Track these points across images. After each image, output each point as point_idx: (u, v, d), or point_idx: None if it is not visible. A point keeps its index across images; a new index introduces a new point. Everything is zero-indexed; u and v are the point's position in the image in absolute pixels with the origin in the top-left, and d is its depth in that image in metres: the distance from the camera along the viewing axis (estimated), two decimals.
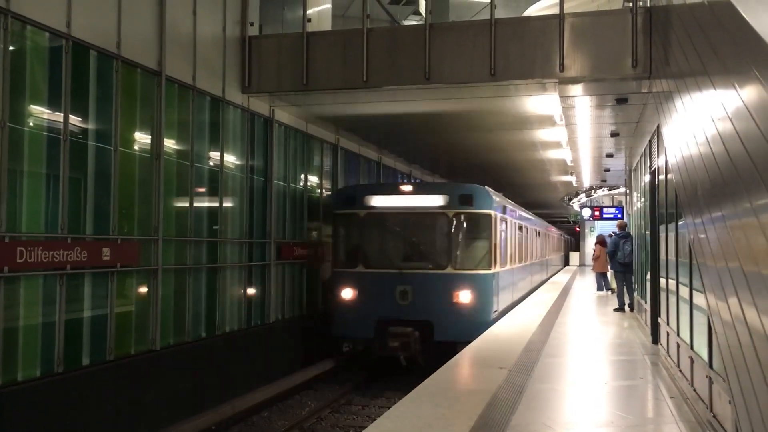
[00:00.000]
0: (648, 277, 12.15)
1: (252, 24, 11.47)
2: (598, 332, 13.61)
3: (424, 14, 13.94)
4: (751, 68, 4.28)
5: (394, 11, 18.63)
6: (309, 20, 11.60)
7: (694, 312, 7.11)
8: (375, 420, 6.29)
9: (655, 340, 10.80)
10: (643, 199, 13.97)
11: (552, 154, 18.79)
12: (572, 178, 24.78)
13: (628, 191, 21.06)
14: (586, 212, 30.22)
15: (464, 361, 9.53)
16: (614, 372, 9.25)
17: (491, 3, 10.78)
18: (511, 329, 12.97)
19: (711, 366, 6.00)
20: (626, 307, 16.22)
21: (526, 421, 6.40)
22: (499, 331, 12.65)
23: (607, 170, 21.29)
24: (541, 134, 15.62)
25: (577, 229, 51.89)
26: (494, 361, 9.44)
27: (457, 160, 20.31)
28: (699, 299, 6.51)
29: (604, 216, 29.27)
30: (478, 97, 11.93)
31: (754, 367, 3.92)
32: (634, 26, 10.07)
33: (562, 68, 10.45)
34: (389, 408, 6.81)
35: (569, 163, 20.01)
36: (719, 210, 4.99)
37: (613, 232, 16.98)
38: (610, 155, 17.90)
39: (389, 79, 11.06)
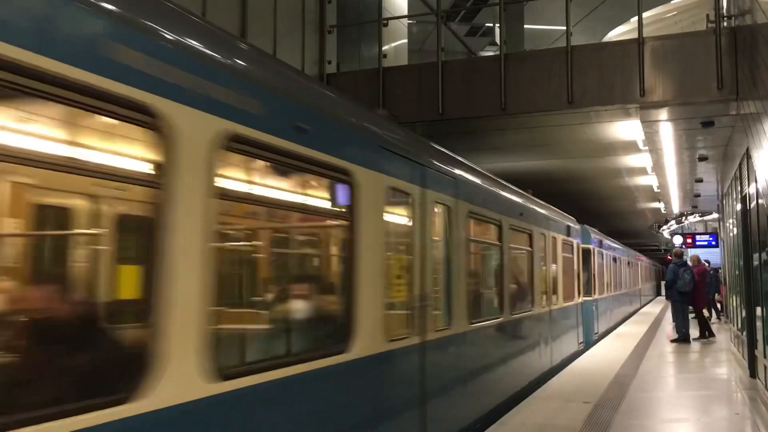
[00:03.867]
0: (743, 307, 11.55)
1: (330, 62, 11.78)
2: (691, 365, 13.02)
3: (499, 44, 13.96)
4: None
5: (470, 43, 18.71)
6: (385, 56, 11.82)
7: None
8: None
9: (753, 374, 10.22)
10: (739, 225, 13.37)
11: (638, 181, 18.26)
12: (660, 205, 23.95)
13: (721, 217, 20.17)
14: (678, 240, 29.07)
15: (547, 394, 9.30)
16: (708, 407, 8.80)
17: (567, 30, 10.71)
18: (597, 361, 12.58)
19: None
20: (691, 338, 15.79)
21: None
22: (585, 364, 12.29)
23: (698, 195, 20.46)
24: (625, 160, 15.23)
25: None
26: (579, 395, 9.18)
27: (537, 187, 20.03)
28: None
29: (697, 243, 28.07)
30: (556, 125, 11.79)
31: None
32: (718, 47, 9.74)
33: (643, 93, 10.21)
34: None
35: (656, 189, 19.36)
36: None
37: (673, 262, 16.31)
38: (699, 180, 17.22)
39: (465, 110, 11.09)
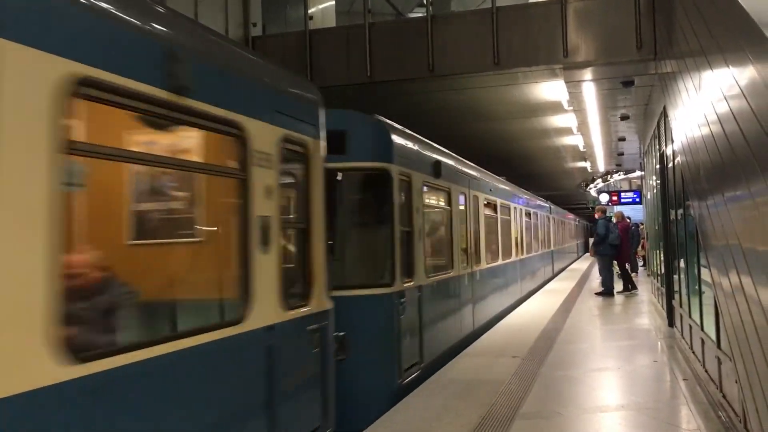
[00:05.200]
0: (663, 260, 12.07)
1: (255, 24, 11.52)
2: (615, 317, 13.57)
3: None
4: (742, 47, 4.26)
5: (399, 4, 18.58)
6: (311, 18, 11.63)
7: (703, 293, 7.09)
8: (386, 412, 6.34)
9: (671, 323, 10.74)
10: (658, 182, 13.88)
11: (565, 140, 18.68)
12: (587, 164, 24.62)
13: (643, 175, 20.90)
14: (604, 197, 29.98)
15: (477, 351, 9.54)
16: (629, 356, 9.22)
17: None
18: (526, 318, 12.95)
19: (719, 346, 5.97)
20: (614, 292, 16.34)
21: (536, 408, 6.42)
22: (513, 321, 12.64)
23: (621, 154, 21.11)
24: (552, 121, 15.54)
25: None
26: (508, 350, 9.46)
27: (470, 151, 20.24)
28: (707, 280, 6.48)
29: (623, 201, 29.03)
30: (483, 86, 11.90)
31: (752, 335, 3.94)
32: (637, 8, 9.99)
33: (566, 53, 10.40)
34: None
35: (582, 149, 19.87)
36: (720, 190, 4.98)
37: (603, 218, 16.77)
38: (622, 139, 17.77)
39: (393, 73, 11.08)
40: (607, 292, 16.14)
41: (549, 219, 24.44)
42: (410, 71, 11.02)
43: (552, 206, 25.97)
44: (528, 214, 18.33)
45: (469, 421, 5.97)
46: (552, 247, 24.67)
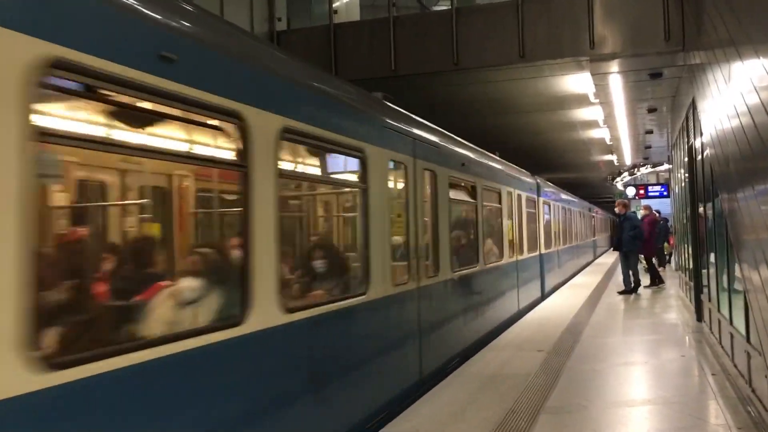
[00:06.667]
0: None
1: (280, 19, 11.57)
2: (642, 312, 13.43)
3: None
4: None
5: None
6: (335, 12, 11.65)
7: (732, 288, 6.99)
8: (412, 404, 6.36)
9: (699, 317, 10.61)
10: (687, 175, 13.68)
11: (591, 134, 18.50)
12: (613, 157, 24.36)
13: (671, 168, 20.63)
14: (630, 191, 29.61)
15: (501, 345, 9.52)
16: (657, 350, 9.12)
17: None
18: (552, 312, 12.89)
19: (748, 340, 5.90)
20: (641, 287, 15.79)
21: (561, 402, 6.39)
22: (539, 315, 12.59)
23: (648, 147, 20.86)
24: (578, 113, 15.41)
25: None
26: (533, 344, 9.42)
27: (495, 143, 20.13)
28: (737, 274, 6.39)
29: (650, 194, 28.66)
30: (509, 79, 11.84)
31: None
32: None
33: (592, 45, 10.31)
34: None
35: (609, 142, 19.67)
36: (750, 183, 4.91)
37: (622, 215, 15.76)
38: (649, 132, 17.55)
39: (418, 66, 11.06)
40: (636, 287, 15.71)
41: (538, 204, 15.96)
42: (435, 65, 11.00)
43: (542, 183, 17.12)
44: (473, 189, 9.77)
45: (494, 414, 5.97)
46: (542, 250, 16.10)
